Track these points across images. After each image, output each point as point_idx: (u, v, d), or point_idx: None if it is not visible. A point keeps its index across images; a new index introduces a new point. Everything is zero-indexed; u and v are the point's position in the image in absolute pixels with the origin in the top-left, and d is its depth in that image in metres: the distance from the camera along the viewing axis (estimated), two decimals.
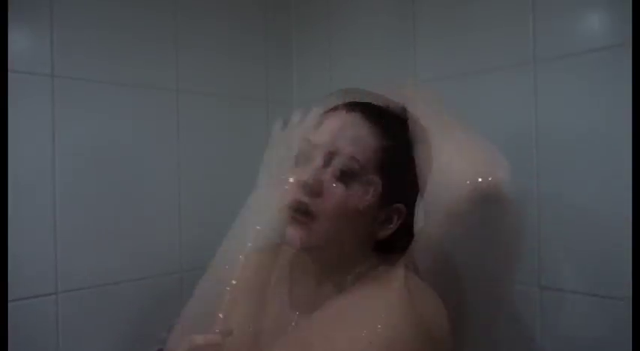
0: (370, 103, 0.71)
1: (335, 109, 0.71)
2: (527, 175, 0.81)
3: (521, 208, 0.67)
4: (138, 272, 0.94)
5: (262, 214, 0.69)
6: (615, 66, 0.72)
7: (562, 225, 0.79)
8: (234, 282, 0.67)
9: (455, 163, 0.63)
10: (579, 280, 0.77)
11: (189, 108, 1.02)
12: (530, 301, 0.81)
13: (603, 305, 0.74)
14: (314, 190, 0.65)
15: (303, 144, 0.70)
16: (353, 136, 0.67)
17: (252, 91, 1.13)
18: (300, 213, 0.65)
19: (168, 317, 0.97)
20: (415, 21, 0.97)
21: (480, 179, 0.59)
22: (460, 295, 0.68)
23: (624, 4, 0.69)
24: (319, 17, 1.16)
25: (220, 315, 0.67)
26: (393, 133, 0.69)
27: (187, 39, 1.02)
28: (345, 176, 0.66)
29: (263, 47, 1.16)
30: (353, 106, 0.70)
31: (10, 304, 0.76)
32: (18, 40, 0.81)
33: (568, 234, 0.78)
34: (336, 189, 0.65)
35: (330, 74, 1.13)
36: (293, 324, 0.68)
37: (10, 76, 0.78)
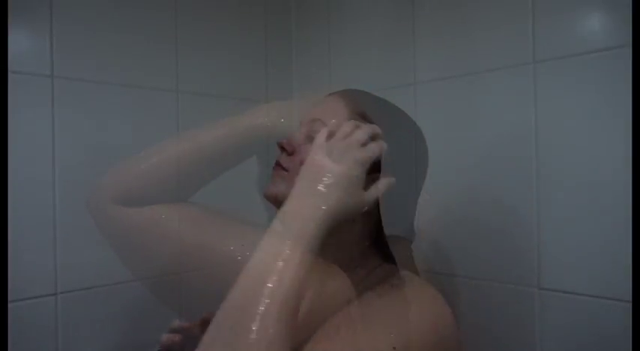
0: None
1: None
2: (526, 175, 0.81)
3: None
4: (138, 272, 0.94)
5: None
6: (615, 67, 0.72)
7: (562, 225, 0.79)
8: None
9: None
10: (579, 280, 0.77)
11: (189, 109, 1.02)
12: (530, 302, 0.81)
13: (603, 306, 0.74)
14: (288, 150, 0.71)
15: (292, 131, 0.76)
16: (329, 109, 0.73)
17: (252, 92, 1.13)
18: (279, 168, 0.71)
19: (168, 318, 0.97)
20: (415, 21, 0.97)
21: None
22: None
23: (624, 4, 0.69)
24: (319, 17, 1.16)
25: None
26: (370, 111, 0.73)
27: (187, 39, 1.02)
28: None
29: (263, 47, 1.16)
30: (332, 93, 0.77)
31: (10, 305, 0.76)
32: (18, 41, 0.81)
33: (568, 234, 0.78)
34: (306, 147, 0.69)
35: (330, 74, 1.13)
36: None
37: (10, 76, 0.78)
